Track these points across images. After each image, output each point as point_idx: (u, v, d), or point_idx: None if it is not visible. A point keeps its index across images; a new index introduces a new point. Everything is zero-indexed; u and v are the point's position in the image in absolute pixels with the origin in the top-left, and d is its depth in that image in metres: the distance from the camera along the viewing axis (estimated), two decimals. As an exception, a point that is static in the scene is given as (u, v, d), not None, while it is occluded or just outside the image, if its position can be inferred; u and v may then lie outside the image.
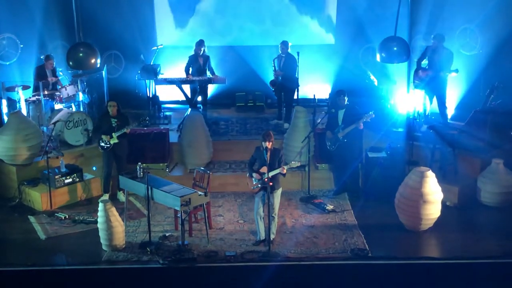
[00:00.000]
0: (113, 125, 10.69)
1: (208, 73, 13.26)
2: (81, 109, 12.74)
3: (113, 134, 10.64)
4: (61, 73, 13.25)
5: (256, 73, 14.66)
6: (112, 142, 10.67)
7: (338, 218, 10.42)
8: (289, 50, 13.21)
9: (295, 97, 13.24)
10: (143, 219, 10.30)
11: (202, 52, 13.17)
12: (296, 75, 13.13)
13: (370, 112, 10.66)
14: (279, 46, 13.25)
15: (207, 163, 11.88)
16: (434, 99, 12.97)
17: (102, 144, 10.77)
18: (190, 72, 13.21)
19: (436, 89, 12.70)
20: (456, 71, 12.45)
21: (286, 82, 13.28)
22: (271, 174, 9.18)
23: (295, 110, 12.04)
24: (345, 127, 10.82)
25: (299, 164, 9.72)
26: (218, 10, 14.68)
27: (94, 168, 11.46)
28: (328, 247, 9.43)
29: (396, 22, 10.84)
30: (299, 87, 13.19)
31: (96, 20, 13.95)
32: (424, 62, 12.84)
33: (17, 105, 12.16)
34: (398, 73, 13.87)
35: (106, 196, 10.86)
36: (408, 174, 10.06)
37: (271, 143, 9.24)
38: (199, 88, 13.22)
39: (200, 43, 13.15)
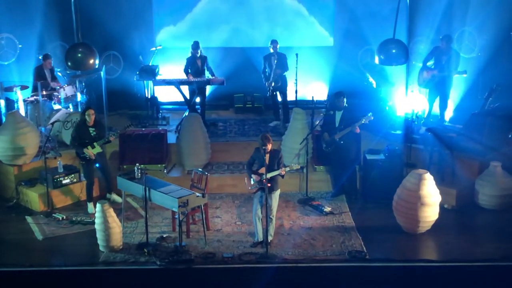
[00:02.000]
0: (92, 134, 10.55)
1: (207, 74, 13.26)
2: (79, 110, 12.72)
3: (95, 144, 10.51)
4: (59, 73, 13.23)
5: (255, 74, 14.63)
6: (95, 152, 10.54)
7: (336, 220, 10.42)
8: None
9: (294, 98, 13.25)
10: (141, 220, 10.29)
11: (199, 53, 13.17)
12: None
13: (369, 114, 10.65)
14: (271, 45, 13.19)
15: (205, 164, 11.86)
16: (434, 100, 13.02)
17: (83, 155, 10.56)
18: (187, 73, 13.21)
19: (441, 90, 12.75)
20: (465, 72, 12.51)
21: (281, 82, 13.28)
22: (269, 175, 9.17)
23: (293, 111, 12.04)
24: (342, 128, 10.81)
25: (299, 167, 9.71)
26: (216, 11, 14.67)
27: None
28: (325, 249, 9.43)
29: (394, 24, 10.85)
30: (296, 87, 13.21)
31: (95, 20, 13.94)
32: (429, 63, 12.90)
33: (15, 105, 12.16)
34: (397, 75, 13.90)
35: (90, 205, 10.75)
36: (406, 176, 10.06)
37: (270, 145, 9.24)
38: (197, 89, 13.22)
39: (196, 45, 13.15)
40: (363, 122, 10.66)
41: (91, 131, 10.55)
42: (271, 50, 13.23)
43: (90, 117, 10.51)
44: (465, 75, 12.70)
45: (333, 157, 11.10)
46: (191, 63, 13.22)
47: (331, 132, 10.93)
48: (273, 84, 13.25)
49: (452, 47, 12.68)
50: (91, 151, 10.50)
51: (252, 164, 9.55)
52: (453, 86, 13.04)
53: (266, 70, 13.36)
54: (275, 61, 13.14)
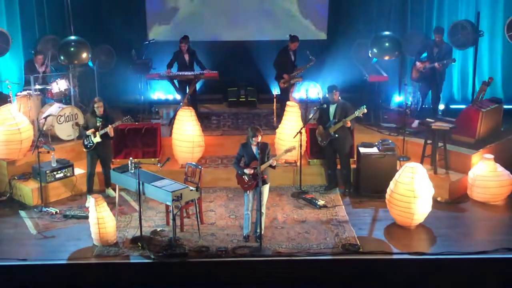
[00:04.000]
0: (98, 124, 10.61)
1: (197, 68, 13.23)
2: (72, 104, 12.68)
3: (96, 133, 10.58)
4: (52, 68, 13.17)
5: (249, 68, 14.64)
6: (95, 141, 10.59)
7: (330, 214, 10.44)
8: None
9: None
10: (135, 214, 10.29)
11: (186, 48, 13.13)
12: None
13: (362, 107, 10.66)
14: (293, 42, 13.03)
15: (199, 158, 11.86)
16: (427, 93, 13.04)
17: (86, 142, 10.69)
18: (173, 68, 13.15)
19: (433, 83, 12.73)
20: (454, 60, 12.49)
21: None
22: (263, 167, 9.17)
23: (287, 105, 12.04)
24: (336, 122, 10.81)
25: (294, 148, 9.70)
26: (209, 4, 14.64)
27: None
28: (319, 242, 9.45)
29: (388, 17, 10.89)
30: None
31: (88, 14, 13.92)
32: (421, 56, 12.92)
33: (8, 99, 12.10)
34: (390, 68, 13.90)
35: (89, 198, 10.76)
36: (399, 169, 10.08)
37: (261, 136, 9.26)
38: (186, 83, 13.18)
39: (183, 39, 13.11)
40: (357, 115, 10.67)
41: (97, 121, 10.62)
42: (292, 48, 13.04)
43: (98, 109, 10.60)
44: (453, 62, 12.63)
45: (327, 150, 11.11)
46: (177, 57, 13.19)
47: (326, 126, 10.93)
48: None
49: (444, 39, 12.66)
50: (93, 132, 10.55)
51: (239, 161, 9.53)
52: (445, 79, 13.06)
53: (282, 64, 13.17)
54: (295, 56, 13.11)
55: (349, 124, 10.72)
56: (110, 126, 10.52)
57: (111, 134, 10.60)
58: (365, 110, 10.71)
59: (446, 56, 12.42)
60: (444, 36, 12.86)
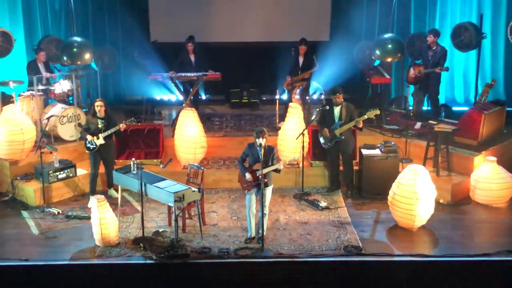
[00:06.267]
0: (100, 126, 10.63)
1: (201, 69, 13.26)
2: (75, 104, 12.69)
3: (100, 135, 10.59)
4: (56, 68, 13.17)
5: (251, 69, 14.64)
6: (98, 142, 10.61)
7: (332, 215, 10.43)
8: None
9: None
10: (137, 215, 10.30)
11: (192, 48, 13.14)
12: None
13: (375, 109, 10.65)
14: (301, 43, 13.11)
15: (201, 159, 11.86)
16: (425, 96, 13.02)
17: (88, 145, 10.72)
18: (180, 68, 13.17)
19: (429, 86, 12.70)
20: (447, 68, 12.45)
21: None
22: (265, 170, 9.15)
23: (289, 106, 12.03)
24: (343, 124, 10.79)
25: (298, 161, 9.70)
26: (212, 6, 14.63)
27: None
28: (321, 244, 9.44)
29: (391, 19, 10.87)
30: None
31: (91, 15, 13.92)
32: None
33: (11, 99, 12.12)
34: (393, 70, 13.90)
35: (91, 199, 10.74)
36: (401, 171, 10.07)
37: (265, 139, 9.22)
38: (190, 84, 13.20)
39: (189, 39, 13.12)
40: (369, 116, 10.67)
41: (99, 123, 10.64)
42: (300, 51, 13.10)
43: (99, 108, 10.61)
44: (446, 70, 12.60)
45: (331, 152, 11.09)
46: (184, 58, 13.20)
47: (331, 128, 10.88)
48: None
49: (439, 42, 12.60)
50: (92, 138, 10.57)
51: (244, 160, 9.53)
52: (447, 81, 13.04)
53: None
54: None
55: (361, 125, 10.73)
56: (122, 123, 10.58)
57: (121, 129, 10.69)
58: (378, 112, 10.71)
59: (440, 60, 12.36)
60: (445, 38, 12.83)
